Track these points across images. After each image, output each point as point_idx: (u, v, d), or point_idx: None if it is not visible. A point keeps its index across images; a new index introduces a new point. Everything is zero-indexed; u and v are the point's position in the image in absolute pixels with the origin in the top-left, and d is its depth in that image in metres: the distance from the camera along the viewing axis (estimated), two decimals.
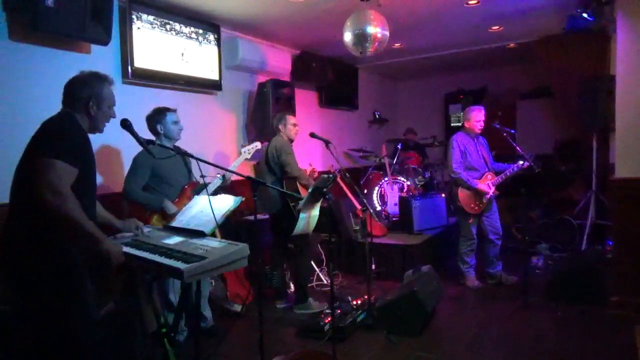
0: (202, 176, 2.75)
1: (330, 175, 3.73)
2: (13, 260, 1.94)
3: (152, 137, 3.23)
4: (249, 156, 3.76)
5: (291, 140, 4.08)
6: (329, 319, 3.27)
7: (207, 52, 4.52)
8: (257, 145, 3.82)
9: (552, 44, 5.65)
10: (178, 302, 3.08)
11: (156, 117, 3.27)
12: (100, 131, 2.18)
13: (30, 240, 1.91)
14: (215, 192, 3.27)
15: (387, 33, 3.92)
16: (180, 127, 3.32)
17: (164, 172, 3.19)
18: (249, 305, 3.91)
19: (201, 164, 2.40)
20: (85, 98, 2.06)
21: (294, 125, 4.06)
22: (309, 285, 4.62)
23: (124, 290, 3.26)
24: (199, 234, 2.39)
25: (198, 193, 3.19)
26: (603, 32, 5.13)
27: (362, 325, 3.52)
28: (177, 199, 3.23)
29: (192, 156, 2.43)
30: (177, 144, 3.30)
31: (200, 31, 4.44)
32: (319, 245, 4.92)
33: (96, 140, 2.43)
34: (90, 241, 1.91)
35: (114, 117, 2.20)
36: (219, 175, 3.44)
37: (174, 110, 3.34)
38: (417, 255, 4.77)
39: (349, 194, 5.09)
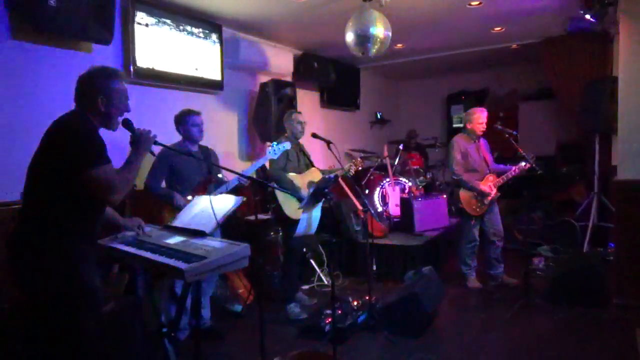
0: (208, 172, 2.75)
1: (332, 176, 3.73)
2: (23, 257, 1.95)
3: (180, 138, 3.45)
4: (275, 156, 3.74)
5: (297, 138, 4.05)
6: (330, 319, 3.27)
7: (209, 52, 4.53)
8: (287, 145, 3.79)
9: (555, 46, 5.65)
10: (179, 300, 3.09)
11: (179, 120, 3.44)
12: (115, 128, 2.13)
13: (41, 239, 1.92)
14: (231, 192, 3.31)
15: (390, 34, 3.92)
16: (201, 130, 3.46)
17: (181, 169, 3.36)
18: (250, 305, 3.92)
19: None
20: (94, 95, 2.02)
21: (299, 122, 4.04)
22: (310, 286, 4.63)
23: (125, 290, 3.27)
24: (200, 234, 2.39)
25: (213, 191, 3.34)
26: (606, 33, 5.13)
27: (362, 326, 3.52)
28: (191, 194, 3.31)
29: (192, 155, 2.43)
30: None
31: (202, 31, 4.44)
32: (320, 246, 4.92)
33: None
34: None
35: (128, 112, 2.15)
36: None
37: (197, 113, 3.45)
38: (418, 256, 4.76)
39: (350, 195, 5.08)
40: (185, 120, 3.41)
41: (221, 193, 3.23)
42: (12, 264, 1.97)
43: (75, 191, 1.93)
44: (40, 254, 1.92)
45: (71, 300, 1.93)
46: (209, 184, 3.45)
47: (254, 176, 3.79)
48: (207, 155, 3.54)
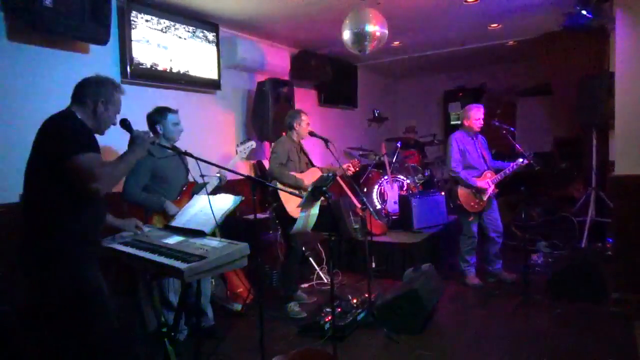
0: (202, 175, 2.76)
1: (330, 174, 3.73)
2: (31, 263, 1.97)
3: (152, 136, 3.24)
4: (245, 155, 3.74)
5: (301, 139, 4.07)
6: (330, 317, 3.27)
7: (206, 52, 4.52)
8: (252, 144, 3.80)
9: (551, 42, 5.65)
10: (179, 301, 3.08)
11: (157, 117, 3.24)
12: (102, 133, 2.20)
13: (42, 241, 1.95)
14: (213, 192, 3.26)
15: (386, 31, 3.92)
16: (181, 129, 3.30)
17: (165, 173, 3.19)
18: (249, 304, 3.92)
19: (200, 163, 2.41)
20: (97, 97, 2.11)
21: (308, 124, 4.04)
22: (309, 284, 4.64)
23: (125, 290, 3.27)
24: (199, 234, 2.39)
25: (197, 193, 3.19)
26: (602, 29, 5.13)
27: (362, 323, 3.52)
28: (177, 199, 3.23)
29: (191, 155, 2.43)
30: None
31: (199, 30, 4.43)
32: (319, 244, 4.92)
33: None
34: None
35: (114, 125, 2.23)
36: (217, 174, 3.43)
37: (176, 112, 3.30)
38: (417, 253, 4.77)
39: (349, 193, 5.09)
40: (166, 118, 3.21)
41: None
42: (21, 268, 1.99)
43: (66, 185, 1.94)
44: (43, 256, 1.93)
45: (78, 300, 1.94)
46: (192, 188, 3.29)
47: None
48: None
